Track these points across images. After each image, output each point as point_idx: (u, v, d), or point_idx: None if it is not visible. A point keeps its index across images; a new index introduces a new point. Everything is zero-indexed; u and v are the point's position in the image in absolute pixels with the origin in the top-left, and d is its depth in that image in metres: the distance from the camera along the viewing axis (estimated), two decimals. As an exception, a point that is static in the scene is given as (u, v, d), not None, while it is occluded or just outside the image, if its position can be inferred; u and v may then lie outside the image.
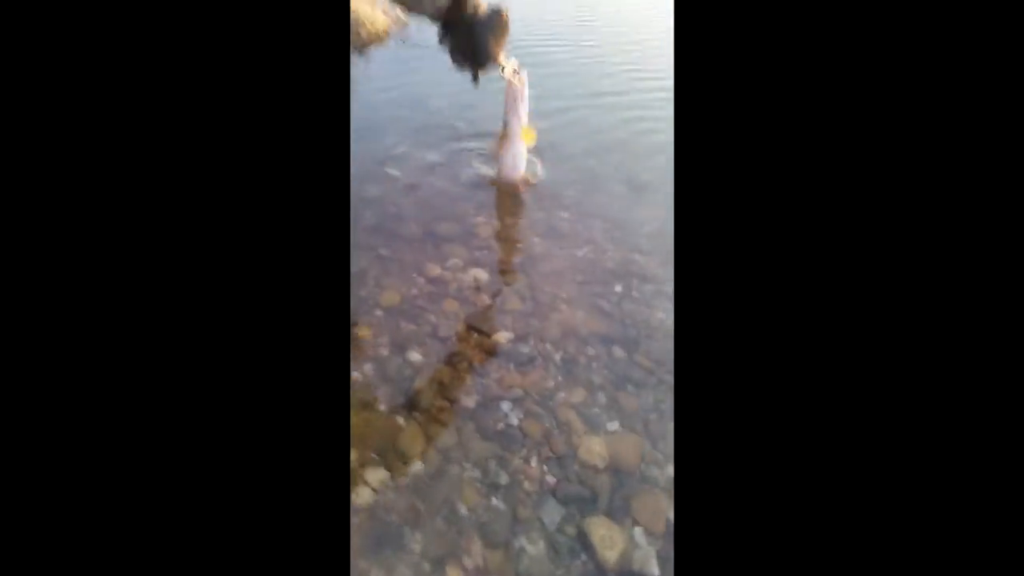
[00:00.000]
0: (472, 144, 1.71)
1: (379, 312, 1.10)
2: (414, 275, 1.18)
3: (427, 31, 2.70)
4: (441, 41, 1.05)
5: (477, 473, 0.81)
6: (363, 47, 2.36)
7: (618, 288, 1.16)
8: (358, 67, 2.37)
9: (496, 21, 1.03)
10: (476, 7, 1.01)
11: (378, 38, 2.67)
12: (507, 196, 1.49)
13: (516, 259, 1.25)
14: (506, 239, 1.31)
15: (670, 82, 2.18)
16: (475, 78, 1.13)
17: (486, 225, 1.34)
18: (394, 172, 1.58)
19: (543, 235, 1.33)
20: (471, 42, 1.02)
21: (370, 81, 2.28)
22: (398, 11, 2.74)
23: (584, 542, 0.73)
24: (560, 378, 0.97)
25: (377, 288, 1.16)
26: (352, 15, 0.75)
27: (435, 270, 1.20)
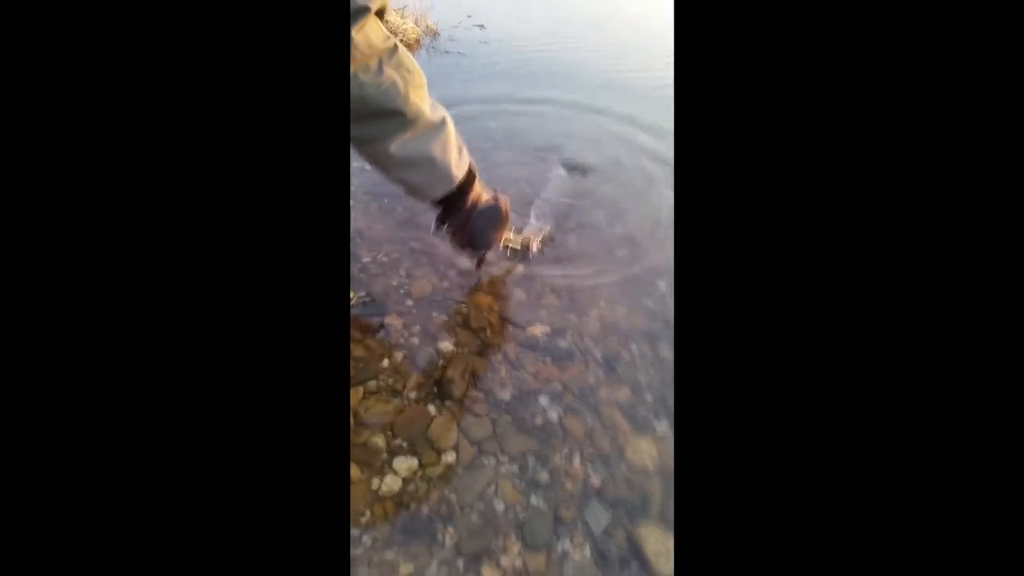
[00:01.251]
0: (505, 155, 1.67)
1: (410, 302, 1.04)
2: (446, 268, 1.13)
3: (459, 39, 2.72)
4: (437, 228, 1.02)
5: (514, 468, 0.74)
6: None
7: (661, 285, 1.10)
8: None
9: (495, 214, 0.99)
10: (477, 199, 0.98)
11: (410, 47, 2.71)
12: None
13: (551, 254, 1.19)
14: (541, 236, 1.26)
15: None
16: (478, 265, 1.10)
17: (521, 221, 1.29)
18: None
19: (579, 231, 1.27)
20: (468, 232, 0.98)
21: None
22: (427, 22, 2.78)
23: (635, 551, 0.65)
24: (602, 375, 0.90)
25: (408, 279, 1.11)
26: (386, 26, 0.72)
27: (467, 262, 1.15)
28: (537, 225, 1.26)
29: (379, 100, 0.77)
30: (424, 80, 0.83)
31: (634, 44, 2.94)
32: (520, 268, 1.13)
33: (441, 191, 0.91)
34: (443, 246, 1.17)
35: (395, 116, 0.80)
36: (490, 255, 1.10)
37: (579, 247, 1.22)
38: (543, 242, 1.21)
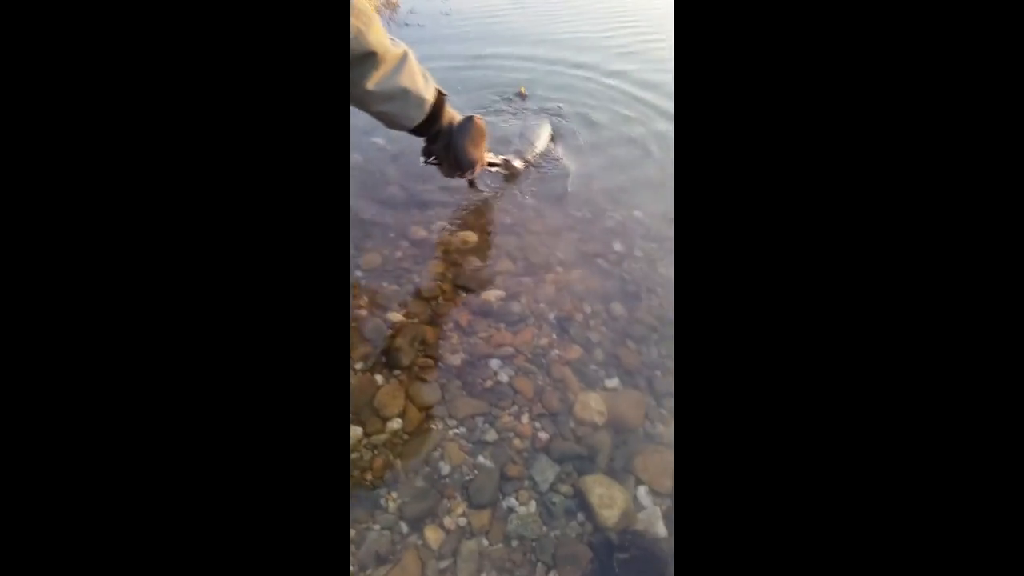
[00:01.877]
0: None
1: (359, 273, 1.02)
2: (397, 238, 1.10)
3: (419, 11, 2.66)
4: (426, 157, 1.11)
5: (462, 430, 0.74)
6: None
7: (618, 247, 1.09)
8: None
9: (470, 128, 1.06)
10: (451, 119, 1.06)
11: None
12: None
13: (508, 220, 1.17)
14: (497, 202, 1.24)
15: (660, 41, 2.13)
16: (471, 184, 1.21)
17: (476, 190, 1.26)
18: (380, 141, 1.51)
19: (537, 196, 1.25)
20: (453, 153, 1.07)
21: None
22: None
23: (581, 501, 0.65)
24: (554, 336, 0.89)
25: (357, 251, 1.08)
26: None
27: (420, 232, 1.13)
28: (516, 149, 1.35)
29: (351, 47, 0.86)
30: (378, 18, 0.91)
31: (594, 9, 2.90)
32: (473, 237, 1.11)
33: (417, 116, 0.99)
34: (394, 216, 1.15)
35: (367, 58, 0.90)
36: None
37: (536, 206, 1.20)
38: (528, 161, 1.32)
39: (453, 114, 1.07)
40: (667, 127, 1.57)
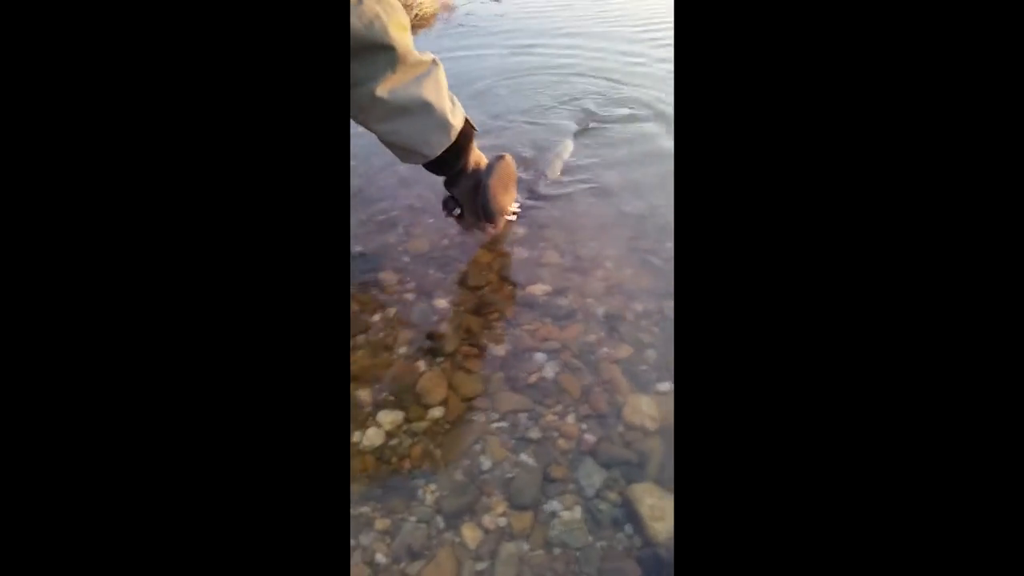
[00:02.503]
0: (517, 117, 1.61)
1: (407, 259, 1.00)
2: (445, 225, 1.08)
3: (476, 13, 2.66)
4: (448, 210, 0.93)
5: (504, 425, 0.70)
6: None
7: (670, 245, 1.03)
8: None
9: (501, 169, 0.89)
10: (478, 162, 0.89)
11: (426, 21, 2.65)
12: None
13: (556, 214, 1.13)
14: (547, 194, 1.20)
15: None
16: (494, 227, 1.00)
17: (527, 180, 1.23)
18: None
19: (587, 191, 1.21)
20: (482, 199, 0.88)
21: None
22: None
23: (629, 511, 0.61)
24: (603, 333, 0.84)
25: (406, 236, 1.06)
26: (402, 1, 0.66)
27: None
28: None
29: (363, 33, 0.70)
30: (408, 20, 0.76)
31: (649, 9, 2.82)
32: (521, 230, 1.08)
33: (440, 142, 0.81)
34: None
35: (382, 51, 0.72)
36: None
37: (587, 200, 1.16)
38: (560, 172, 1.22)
39: (480, 156, 0.90)
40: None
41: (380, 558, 0.56)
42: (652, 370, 0.79)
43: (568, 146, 1.37)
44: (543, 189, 1.20)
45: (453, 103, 0.84)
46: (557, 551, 0.57)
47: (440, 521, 0.60)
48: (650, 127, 1.49)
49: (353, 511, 0.60)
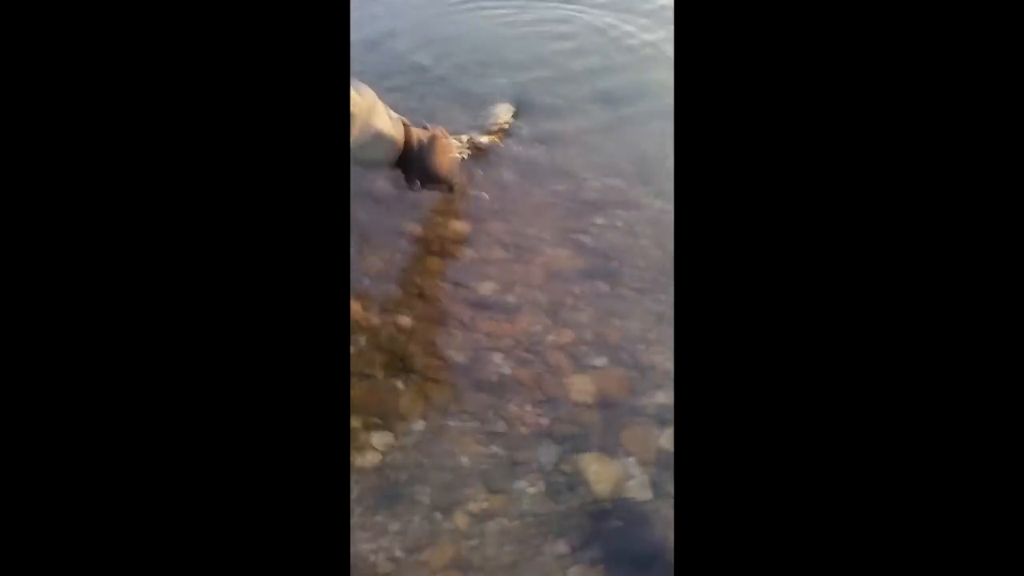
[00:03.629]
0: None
1: (367, 281, 1.12)
2: (394, 238, 1.18)
3: None
4: (409, 184, 1.15)
5: (476, 424, 0.86)
6: None
7: (599, 220, 1.15)
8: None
9: (434, 144, 1.10)
10: (419, 140, 1.09)
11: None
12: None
13: (495, 205, 1.23)
14: (483, 183, 1.29)
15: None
16: (450, 190, 1.21)
17: (460, 173, 1.31)
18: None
19: (521, 174, 1.30)
20: (426, 170, 1.11)
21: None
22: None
23: (579, 478, 0.79)
24: (548, 321, 0.99)
25: (358, 256, 1.17)
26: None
27: (416, 229, 1.20)
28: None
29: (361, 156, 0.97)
30: (374, 98, 0.99)
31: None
32: (466, 227, 1.18)
33: (392, 156, 1.08)
34: (385, 219, 1.22)
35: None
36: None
37: (518, 183, 1.25)
38: (497, 134, 1.33)
39: (417, 134, 1.11)
40: (652, 76, 1.55)
41: (399, 553, 0.75)
42: (589, 348, 0.94)
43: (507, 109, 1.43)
44: (480, 170, 1.29)
45: (390, 116, 1.04)
46: (529, 519, 0.76)
47: (437, 515, 0.77)
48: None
49: (369, 520, 0.77)
